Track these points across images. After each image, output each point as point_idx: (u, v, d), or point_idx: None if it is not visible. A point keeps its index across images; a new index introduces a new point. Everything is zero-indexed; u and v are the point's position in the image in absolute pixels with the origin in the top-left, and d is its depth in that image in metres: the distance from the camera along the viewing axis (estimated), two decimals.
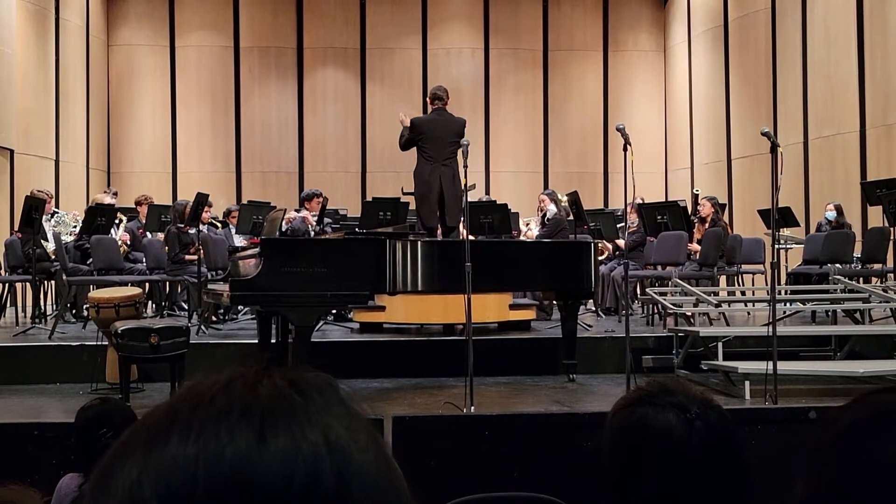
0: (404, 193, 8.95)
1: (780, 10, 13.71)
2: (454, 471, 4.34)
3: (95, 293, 7.21)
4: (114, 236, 9.76)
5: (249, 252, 6.56)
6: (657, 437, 1.38)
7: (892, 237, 8.50)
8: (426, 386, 6.69)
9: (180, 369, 6.05)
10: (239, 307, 9.03)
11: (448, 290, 6.53)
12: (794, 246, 11.20)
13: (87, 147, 14.73)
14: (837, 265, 9.43)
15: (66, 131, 13.92)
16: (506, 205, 9.84)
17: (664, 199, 14.35)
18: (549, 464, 4.37)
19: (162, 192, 14.47)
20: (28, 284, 9.46)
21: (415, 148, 8.20)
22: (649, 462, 1.38)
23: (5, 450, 4.34)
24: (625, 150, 5.95)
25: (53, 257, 9.31)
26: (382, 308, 7.96)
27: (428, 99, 8.43)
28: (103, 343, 6.65)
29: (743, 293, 10.80)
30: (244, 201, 13.00)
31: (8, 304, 9.70)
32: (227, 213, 11.24)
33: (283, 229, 9.22)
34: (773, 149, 5.80)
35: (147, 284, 9.61)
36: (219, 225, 10.77)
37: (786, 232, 11.17)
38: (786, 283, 10.08)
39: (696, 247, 9.63)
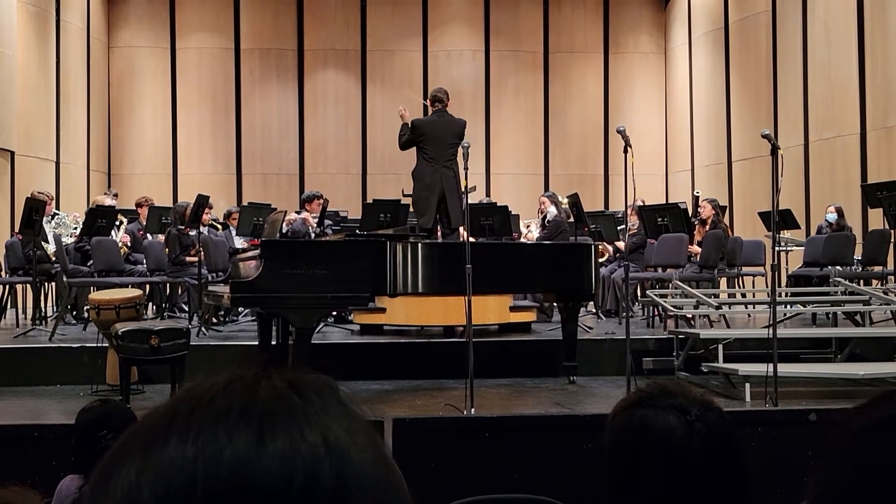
0: (405, 195, 8.95)
1: (781, 12, 13.72)
2: (454, 472, 4.34)
3: (96, 295, 7.22)
4: (114, 238, 9.77)
5: (250, 254, 6.56)
6: (657, 439, 1.37)
7: (892, 239, 8.50)
8: (426, 388, 6.68)
9: (181, 371, 6.05)
10: (239, 309, 9.04)
11: (448, 292, 6.52)
12: (794, 248, 11.20)
13: (88, 149, 14.74)
14: (838, 267, 9.43)
15: (67, 133, 13.93)
16: (506, 207, 9.84)
17: (665, 202, 14.34)
18: (549, 465, 4.37)
19: (162, 193, 14.47)
20: (28, 286, 9.46)
21: (414, 149, 8.21)
22: (649, 464, 1.37)
23: (6, 451, 4.34)
24: (625, 152, 5.95)
25: (54, 259, 9.32)
26: (383, 310, 7.96)
27: (428, 101, 8.44)
28: (104, 345, 6.65)
29: (743, 295, 10.80)
30: (245, 203, 13.00)
31: (8, 306, 9.70)
32: (228, 215, 11.24)
33: (284, 231, 9.23)
34: (774, 151, 5.80)
35: (147, 286, 9.61)
36: (219, 227, 10.78)
37: (786, 234, 11.17)
38: (786, 286, 10.08)
39: (696, 249, 9.63)
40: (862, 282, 9.05)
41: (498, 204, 10.21)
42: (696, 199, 11.00)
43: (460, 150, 6.22)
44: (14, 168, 12.49)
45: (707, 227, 9.75)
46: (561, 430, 4.63)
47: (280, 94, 16.03)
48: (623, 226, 10.02)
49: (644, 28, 16.74)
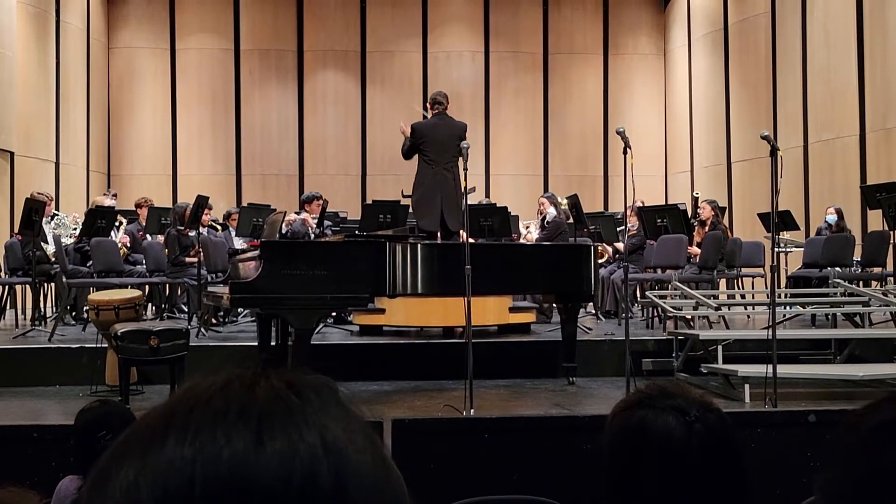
0: (404, 196, 8.95)
1: (780, 13, 13.72)
2: (454, 474, 4.34)
3: (95, 295, 7.22)
4: (114, 239, 9.77)
5: (249, 254, 6.56)
6: (656, 440, 1.37)
7: (891, 241, 8.50)
8: (426, 389, 6.68)
9: (180, 372, 6.04)
10: (239, 310, 9.04)
11: (448, 293, 6.52)
12: (793, 249, 11.20)
13: (88, 149, 14.74)
14: (837, 269, 9.43)
15: (67, 134, 13.93)
16: (506, 208, 9.84)
17: (664, 203, 14.34)
18: (548, 466, 4.37)
19: (162, 194, 14.47)
20: (28, 286, 9.46)
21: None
22: (649, 465, 1.37)
23: (5, 452, 4.34)
24: (625, 153, 5.95)
25: (53, 259, 9.32)
26: (382, 311, 7.96)
27: (428, 104, 8.44)
28: (103, 345, 6.65)
29: (743, 296, 10.80)
30: (244, 204, 13.00)
31: (8, 307, 9.69)
32: (227, 216, 11.24)
33: (283, 232, 9.22)
34: (773, 152, 5.80)
35: (147, 287, 9.61)
36: (219, 227, 10.78)
37: (785, 235, 11.17)
38: (786, 287, 10.08)
39: (695, 250, 9.63)
40: (861, 283, 9.05)
41: (497, 205, 10.21)
42: (695, 200, 11.01)
43: (461, 151, 6.21)
44: (14, 169, 12.49)
45: (706, 228, 9.76)
46: (560, 431, 4.63)
47: (279, 94, 16.03)
48: (622, 227, 10.02)
49: (643, 29, 16.75)
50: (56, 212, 10.87)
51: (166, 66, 15.83)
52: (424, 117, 8.47)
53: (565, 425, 4.75)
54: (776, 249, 6.82)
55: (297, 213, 9.94)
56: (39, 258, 8.88)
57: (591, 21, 16.59)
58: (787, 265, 11.26)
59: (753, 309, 9.65)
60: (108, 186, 14.45)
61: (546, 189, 14.46)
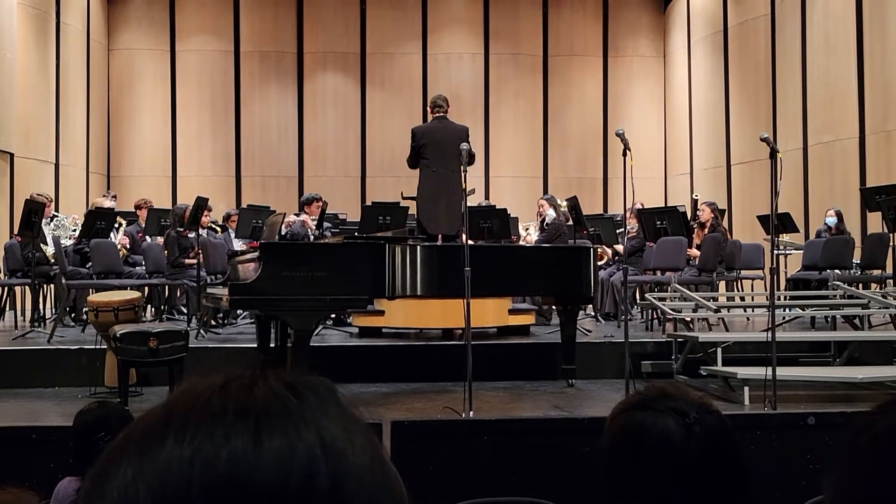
0: (404, 198, 8.95)
1: (780, 16, 13.73)
2: (453, 475, 4.34)
3: (95, 297, 7.22)
4: (113, 240, 9.76)
5: (249, 256, 6.56)
6: (656, 442, 1.37)
7: (891, 243, 8.50)
8: (425, 391, 6.68)
9: (179, 373, 6.04)
10: (238, 311, 9.03)
11: (447, 295, 6.52)
12: (793, 252, 11.21)
13: (87, 151, 14.74)
14: (837, 271, 9.43)
15: (67, 135, 13.93)
16: (505, 209, 9.84)
17: (663, 205, 14.35)
18: (547, 468, 4.37)
19: (162, 195, 14.47)
20: (27, 288, 9.46)
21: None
22: (648, 466, 1.37)
23: (4, 453, 4.34)
24: (624, 155, 5.96)
25: (53, 261, 9.31)
26: (381, 312, 7.96)
27: (428, 108, 8.45)
28: (102, 347, 6.64)
29: (742, 299, 10.80)
30: (244, 205, 13.01)
31: (7, 308, 9.69)
32: (227, 217, 11.24)
33: (283, 233, 9.22)
34: (773, 154, 5.80)
35: (146, 288, 9.61)
36: (218, 229, 10.78)
37: (785, 238, 11.17)
38: (785, 289, 10.08)
39: (695, 252, 9.63)
40: (861, 285, 9.05)
41: (497, 207, 10.21)
42: (694, 202, 11.01)
43: (461, 153, 6.20)
44: (13, 170, 12.49)
45: (706, 230, 9.76)
46: (559, 433, 4.63)
47: (279, 96, 16.03)
48: (622, 229, 10.03)
49: (643, 32, 16.76)
50: (55, 213, 10.87)
51: (166, 68, 15.84)
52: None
53: (565, 427, 4.76)
54: (776, 252, 6.81)
55: (297, 215, 9.94)
56: (39, 259, 8.87)
57: (591, 23, 16.60)
58: (786, 267, 11.27)
59: (753, 311, 9.66)
60: (108, 188, 14.46)
61: (545, 191, 14.48)
